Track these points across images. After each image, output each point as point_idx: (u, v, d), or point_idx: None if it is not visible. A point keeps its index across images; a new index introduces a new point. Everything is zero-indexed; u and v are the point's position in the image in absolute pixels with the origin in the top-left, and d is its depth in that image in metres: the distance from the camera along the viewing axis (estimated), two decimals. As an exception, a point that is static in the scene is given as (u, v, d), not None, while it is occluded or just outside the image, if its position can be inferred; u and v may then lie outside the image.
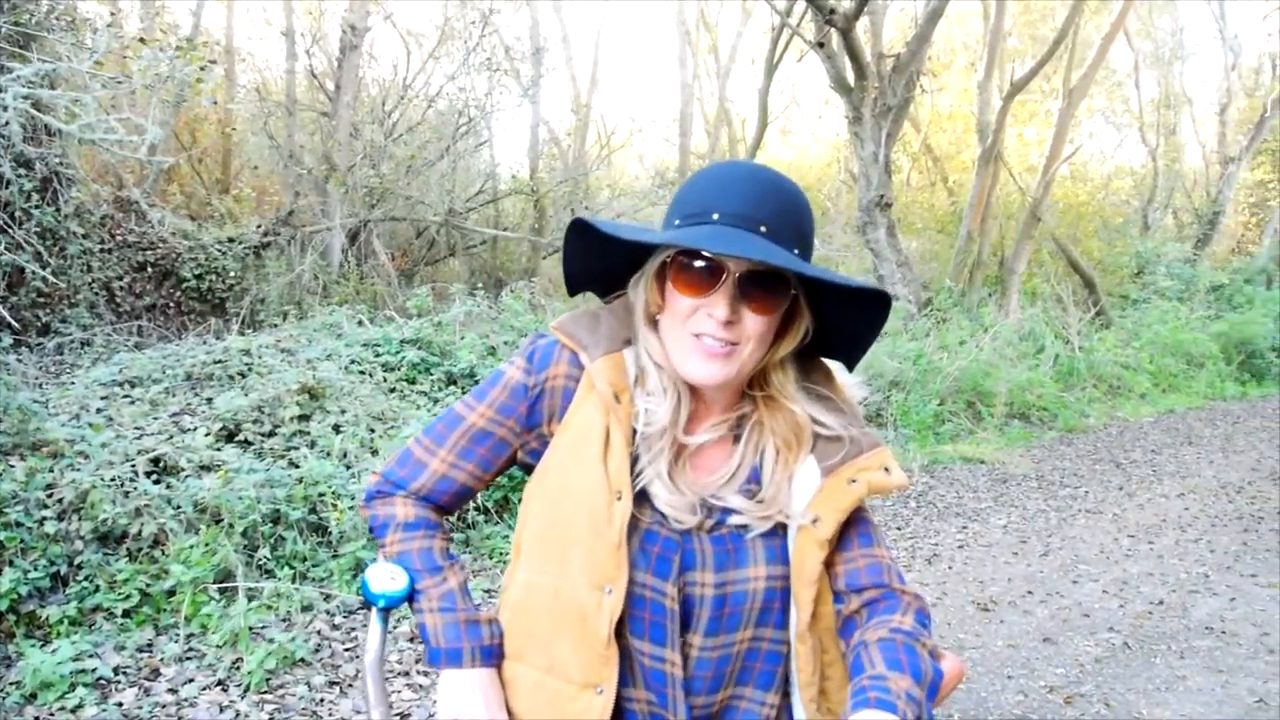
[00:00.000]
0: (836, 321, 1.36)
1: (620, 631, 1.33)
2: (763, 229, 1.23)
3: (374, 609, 1.39)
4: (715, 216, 1.24)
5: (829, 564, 1.34)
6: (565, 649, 1.34)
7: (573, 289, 1.47)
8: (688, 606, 1.32)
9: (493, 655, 1.36)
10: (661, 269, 1.32)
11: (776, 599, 1.34)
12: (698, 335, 1.27)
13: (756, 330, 1.27)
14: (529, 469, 1.45)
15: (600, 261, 1.40)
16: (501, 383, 1.42)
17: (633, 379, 1.36)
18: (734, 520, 1.34)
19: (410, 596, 1.40)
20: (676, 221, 1.29)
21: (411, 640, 4.51)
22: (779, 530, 1.35)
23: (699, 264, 1.26)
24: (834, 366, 1.48)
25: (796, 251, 1.25)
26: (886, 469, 1.34)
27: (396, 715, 3.87)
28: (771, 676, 1.37)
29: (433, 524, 1.45)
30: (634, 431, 1.34)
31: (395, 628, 4.62)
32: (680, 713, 1.33)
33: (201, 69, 8.25)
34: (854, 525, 1.36)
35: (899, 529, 6.91)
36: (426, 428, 1.48)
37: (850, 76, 11.96)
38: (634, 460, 1.34)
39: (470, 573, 5.42)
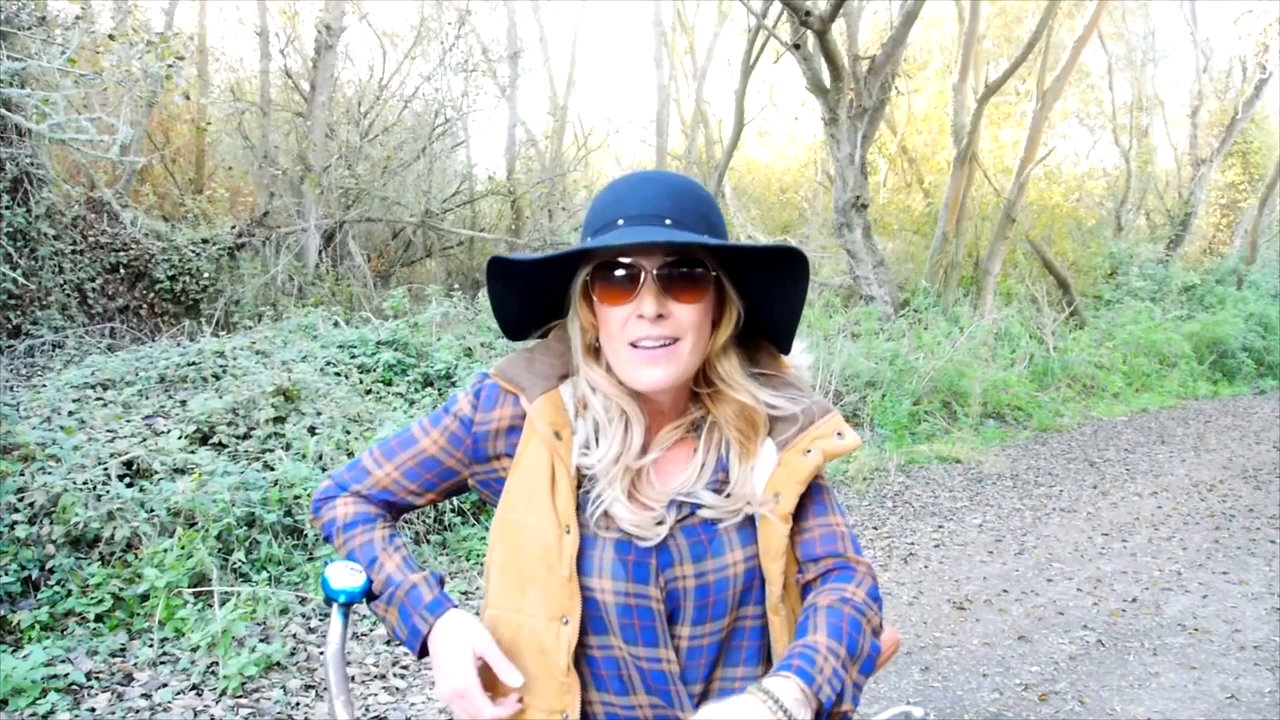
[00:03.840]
0: (765, 298, 1.40)
1: (611, 644, 1.36)
2: (668, 221, 1.28)
3: (335, 605, 1.41)
4: (620, 223, 1.29)
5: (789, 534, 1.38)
6: (529, 679, 1.37)
7: (511, 335, 1.50)
8: (673, 601, 1.35)
9: (440, 604, 1.38)
10: (586, 292, 1.36)
11: (755, 577, 1.38)
12: (634, 345, 1.30)
13: (690, 321, 1.30)
14: (486, 496, 1.48)
15: (528, 300, 1.44)
16: (453, 411, 1.46)
17: (572, 413, 1.40)
18: (704, 513, 1.37)
19: (370, 591, 1.43)
20: (588, 239, 1.33)
21: (388, 643, 4.49)
22: (750, 516, 1.39)
23: (617, 272, 1.30)
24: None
25: (705, 235, 1.29)
26: (840, 434, 1.38)
27: (375, 717, 3.85)
28: (756, 652, 1.41)
29: (370, 517, 1.49)
30: (577, 465, 1.38)
31: (371, 630, 4.60)
32: (686, 705, 1.36)
33: (170, 65, 8.17)
34: (809, 495, 1.40)
35: (875, 528, 6.95)
36: (382, 440, 1.53)
37: (826, 78, 12.01)
38: (584, 492, 1.37)
39: (446, 575, 5.40)
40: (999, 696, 4.27)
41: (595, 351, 1.39)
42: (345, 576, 1.41)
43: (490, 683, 1.39)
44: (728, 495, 1.37)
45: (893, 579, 5.83)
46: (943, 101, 19.01)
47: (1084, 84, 23.01)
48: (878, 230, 15.72)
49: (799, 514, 1.39)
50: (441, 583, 1.42)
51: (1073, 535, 6.86)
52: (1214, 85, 25.34)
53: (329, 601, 1.41)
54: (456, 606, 1.38)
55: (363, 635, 4.54)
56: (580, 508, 1.36)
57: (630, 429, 1.37)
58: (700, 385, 1.41)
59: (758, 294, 1.39)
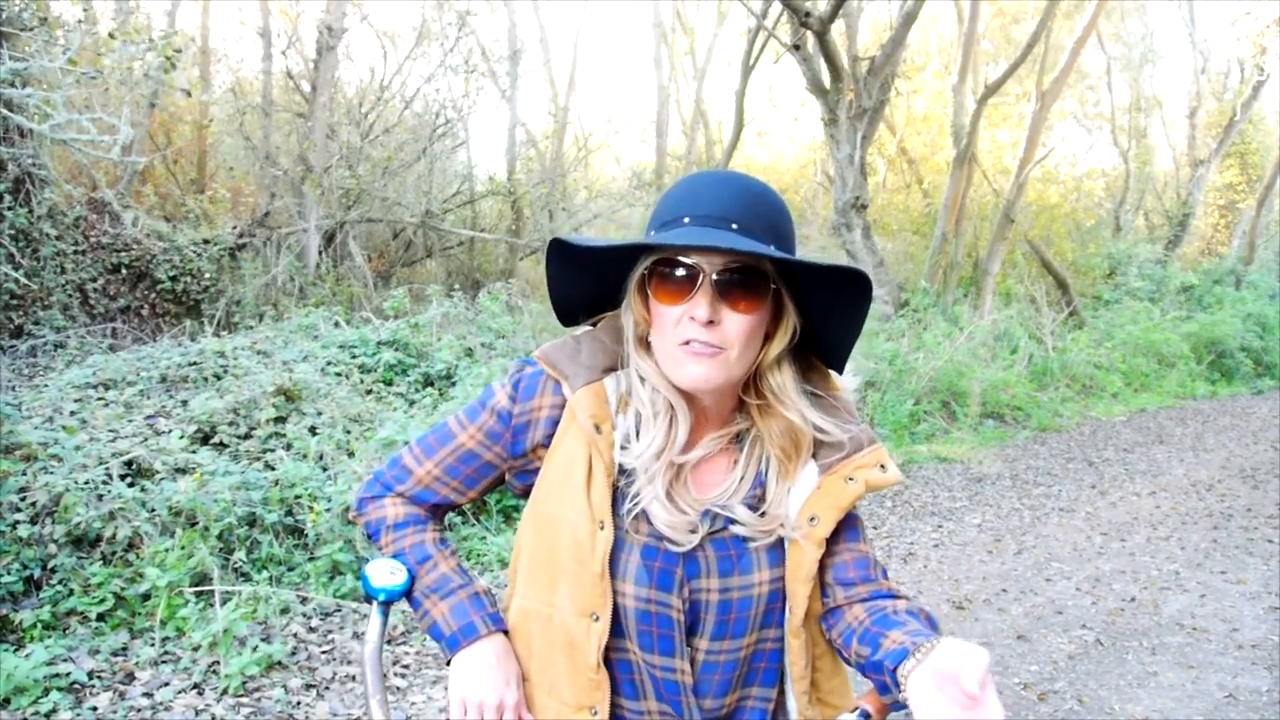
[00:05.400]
0: (822, 315, 1.36)
1: (626, 647, 1.36)
2: (734, 226, 1.24)
3: (374, 603, 1.41)
4: (686, 220, 1.26)
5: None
6: (560, 673, 1.37)
7: (564, 317, 1.48)
8: (694, 613, 1.34)
9: (501, 620, 1.40)
10: (642, 284, 1.33)
11: (779, 600, 1.36)
12: (685, 343, 1.28)
13: (740, 331, 1.27)
14: (521, 491, 1.47)
15: (588, 286, 1.41)
16: (490, 405, 1.44)
17: (614, 407, 1.37)
18: (737, 529, 1.35)
19: (410, 592, 1.43)
20: (652, 233, 1.30)
21: (389, 643, 4.50)
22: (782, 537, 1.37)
23: (675, 271, 1.27)
24: None
25: (771, 246, 1.26)
26: (882, 466, 1.36)
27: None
28: (774, 674, 1.41)
29: (422, 519, 1.48)
30: (616, 461, 1.35)
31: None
32: (696, 718, 1.36)
33: (168, 58, 8.18)
34: (843, 520, 1.38)
35: (875, 528, 6.96)
36: (420, 436, 1.51)
37: (826, 79, 12.02)
38: (617, 489, 1.35)
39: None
40: (998, 695, 4.28)
41: (647, 344, 1.36)
42: (385, 575, 1.40)
43: (525, 673, 1.43)
44: (762, 514, 1.35)
45: (892, 579, 5.84)
46: (942, 102, 19.03)
47: (1082, 85, 23.02)
48: (877, 231, 15.73)
49: (830, 537, 1.36)
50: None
51: (1071, 535, 6.88)
52: (1212, 86, 25.39)
53: (369, 599, 1.41)
54: (495, 628, 1.40)
55: (361, 635, 4.55)
56: (615, 505, 1.34)
57: (675, 425, 1.34)
58: (750, 396, 1.38)
59: (817, 311, 1.36)
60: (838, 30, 13.38)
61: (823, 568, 1.37)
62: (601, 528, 1.32)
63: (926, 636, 1.18)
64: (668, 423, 1.34)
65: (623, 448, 1.36)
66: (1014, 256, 17.34)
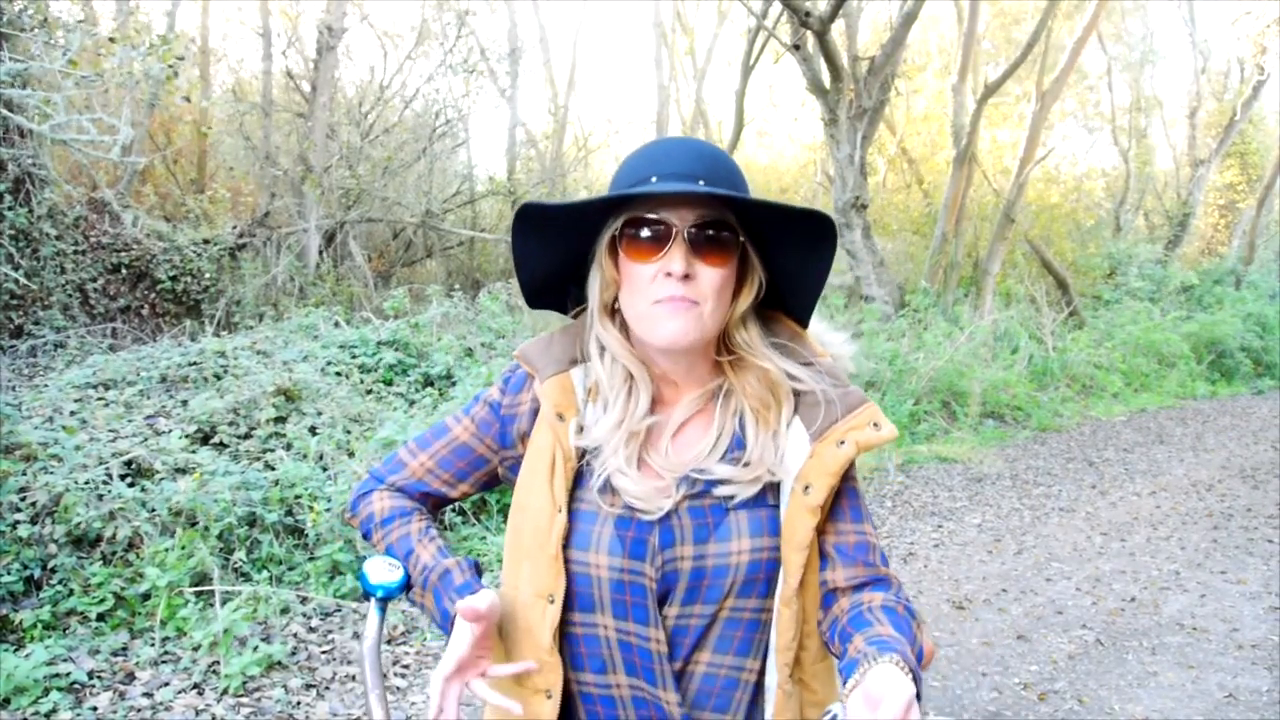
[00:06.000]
0: (789, 267, 1.38)
1: (596, 621, 1.37)
2: (700, 182, 1.27)
3: (372, 600, 1.42)
4: (654, 179, 1.28)
5: (819, 530, 1.35)
6: (521, 655, 1.40)
7: (531, 298, 1.51)
8: (667, 582, 1.34)
9: (469, 587, 1.38)
10: (613, 247, 1.34)
11: (761, 570, 1.35)
12: (658, 301, 1.29)
13: (714, 284, 1.30)
14: (514, 483, 1.49)
15: (555, 258, 1.42)
16: (483, 399, 1.49)
17: (582, 397, 1.40)
18: (720, 490, 1.35)
19: (408, 587, 1.44)
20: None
21: (389, 643, 4.50)
22: (767, 500, 1.36)
23: (647, 230, 1.29)
24: (818, 329, 1.50)
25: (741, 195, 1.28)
26: (875, 424, 1.35)
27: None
28: (750, 643, 1.39)
29: (407, 511, 1.50)
30: (574, 446, 1.37)
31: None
32: (669, 686, 1.35)
33: (170, 66, 8.19)
34: (845, 496, 1.38)
35: (875, 528, 6.95)
36: (418, 434, 1.54)
37: (826, 79, 12.03)
38: (581, 470, 1.38)
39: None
40: (998, 696, 4.28)
41: (611, 312, 1.39)
42: (383, 572, 1.41)
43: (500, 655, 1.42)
44: (745, 464, 1.35)
45: (892, 568, 5.84)
46: (942, 102, 19.02)
47: (1082, 85, 23.03)
48: (877, 230, 15.73)
49: (833, 514, 1.36)
50: (477, 569, 1.42)
51: (1071, 535, 6.88)
52: (1212, 86, 25.41)
53: (366, 596, 1.42)
54: (487, 588, 1.37)
55: (361, 634, 4.55)
56: (581, 483, 1.37)
57: (635, 393, 1.37)
58: (721, 354, 1.40)
59: (782, 264, 1.38)
60: (838, 30, 13.39)
61: (824, 541, 1.37)
62: (560, 511, 1.35)
63: (880, 647, 1.17)
64: (626, 392, 1.37)
65: (580, 431, 1.38)
66: (1014, 256, 17.33)
